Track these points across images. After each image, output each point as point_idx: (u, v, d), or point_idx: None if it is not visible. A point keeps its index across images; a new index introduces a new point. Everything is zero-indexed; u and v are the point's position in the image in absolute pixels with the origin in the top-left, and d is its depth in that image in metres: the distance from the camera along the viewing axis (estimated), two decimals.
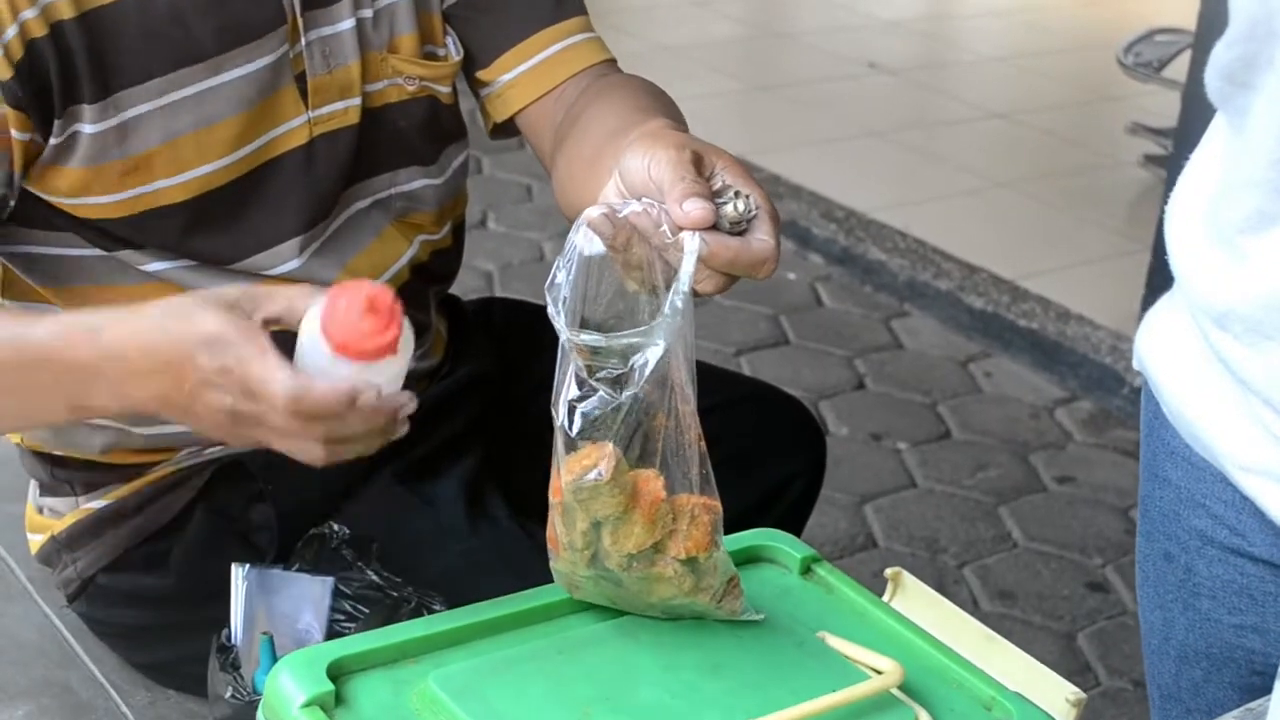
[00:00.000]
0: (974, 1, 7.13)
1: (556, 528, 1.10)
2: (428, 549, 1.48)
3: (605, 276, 1.09)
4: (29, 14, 1.30)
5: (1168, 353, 1.27)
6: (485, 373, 1.70)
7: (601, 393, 1.05)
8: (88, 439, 1.53)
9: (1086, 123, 5.40)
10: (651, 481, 1.07)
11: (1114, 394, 3.62)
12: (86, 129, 1.35)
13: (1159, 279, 3.78)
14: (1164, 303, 1.31)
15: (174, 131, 1.39)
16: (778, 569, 1.27)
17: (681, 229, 1.08)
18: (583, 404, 1.05)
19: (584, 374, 1.05)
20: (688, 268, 1.06)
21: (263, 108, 1.43)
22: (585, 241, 1.07)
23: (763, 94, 5.48)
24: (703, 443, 1.09)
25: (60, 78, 1.32)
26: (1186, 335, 1.23)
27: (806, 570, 1.26)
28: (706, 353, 3.65)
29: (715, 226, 1.10)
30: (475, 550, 1.48)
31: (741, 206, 1.11)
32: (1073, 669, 2.71)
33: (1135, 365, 1.33)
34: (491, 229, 4.20)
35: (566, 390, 1.05)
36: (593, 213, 1.08)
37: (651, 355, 1.05)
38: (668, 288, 1.07)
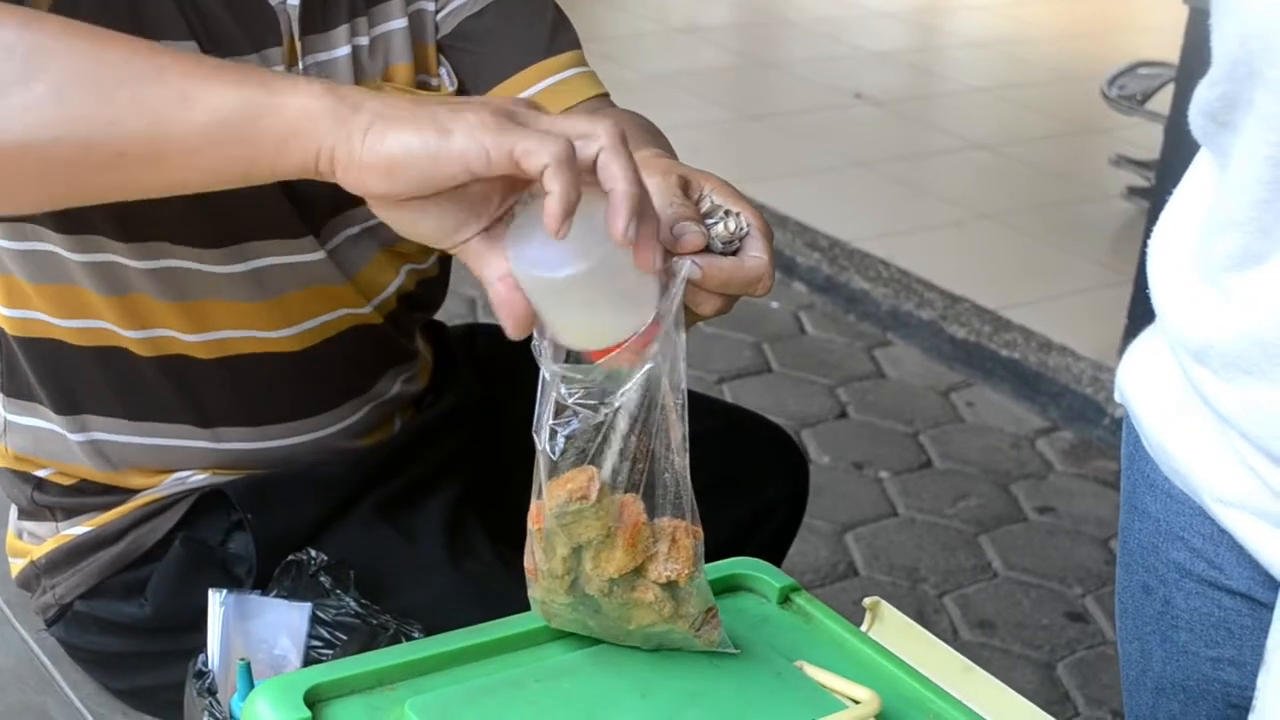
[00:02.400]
0: (959, 33, 7.16)
1: (535, 555, 1.10)
2: (406, 582, 1.47)
3: None
4: None
5: (1149, 386, 1.28)
6: (468, 402, 1.70)
7: (582, 414, 1.05)
8: (72, 454, 1.53)
9: (1070, 154, 5.43)
10: (632, 505, 1.07)
11: (1095, 424, 3.63)
12: None
13: (1141, 310, 3.79)
14: (1146, 336, 1.31)
15: None
16: (756, 598, 1.27)
17: (673, 255, 1.07)
18: (564, 427, 1.05)
19: (565, 400, 1.05)
20: (676, 293, 1.06)
21: None
22: None
23: (750, 123, 5.49)
24: (687, 471, 1.09)
25: None
26: (1167, 369, 1.23)
27: (785, 599, 1.26)
28: (689, 380, 3.63)
29: (708, 248, 1.09)
30: (454, 585, 1.47)
31: (732, 225, 1.10)
32: (1052, 699, 2.71)
33: (1117, 397, 1.33)
34: None
35: (548, 416, 1.05)
36: None
37: (634, 377, 1.05)
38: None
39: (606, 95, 1.60)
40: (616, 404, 1.04)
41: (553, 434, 1.04)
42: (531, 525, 1.09)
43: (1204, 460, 1.20)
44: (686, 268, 1.07)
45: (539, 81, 1.56)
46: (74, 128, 1.00)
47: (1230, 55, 1.08)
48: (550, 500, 1.05)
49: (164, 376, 1.48)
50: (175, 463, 1.54)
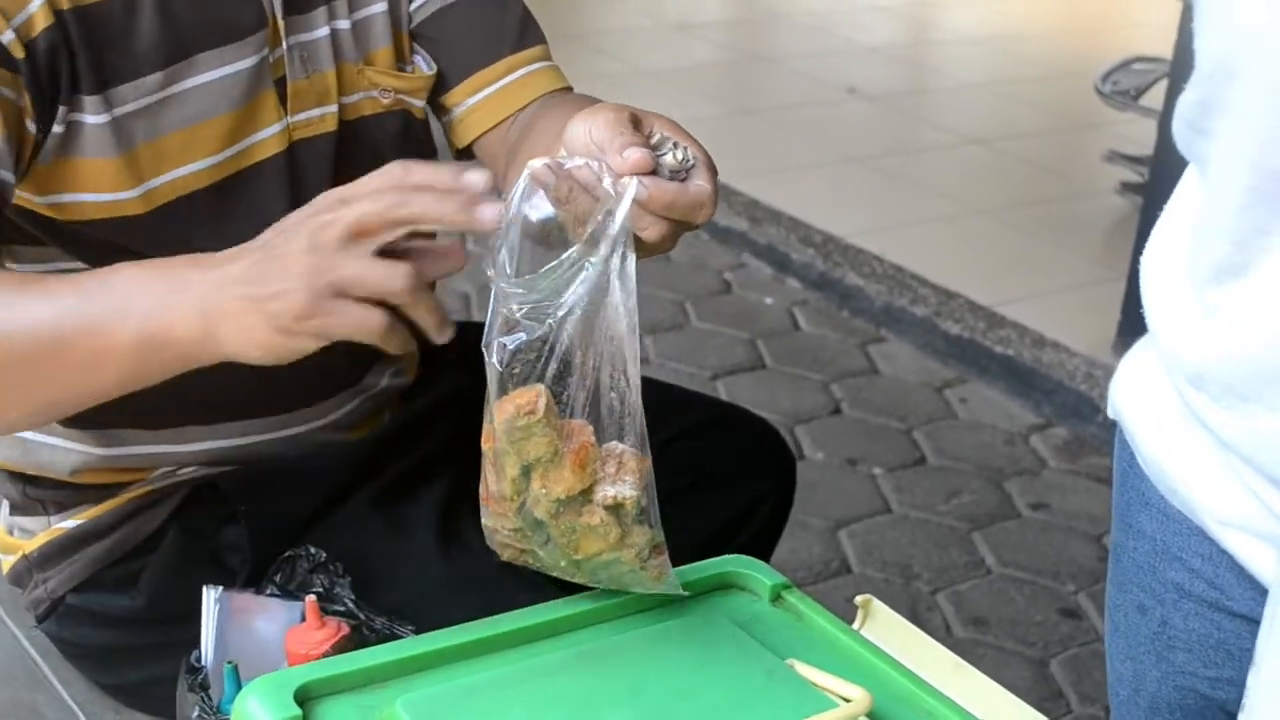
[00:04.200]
0: (953, 28, 7.16)
1: (488, 478, 1.12)
2: (399, 573, 1.48)
3: (551, 240, 1.11)
4: (37, 3, 1.30)
5: (1144, 403, 1.26)
6: (457, 393, 1.71)
7: (528, 326, 1.07)
8: (58, 459, 1.53)
9: (1064, 150, 5.43)
10: (582, 430, 1.09)
11: (1089, 421, 3.63)
12: (88, 119, 1.36)
13: (1134, 307, 3.78)
14: (1139, 349, 1.29)
15: (163, 128, 1.40)
16: (748, 596, 1.27)
17: (620, 176, 1.10)
18: (511, 340, 1.07)
19: (514, 315, 1.07)
20: (624, 208, 1.09)
21: (246, 110, 1.44)
22: (529, 197, 1.09)
23: (743, 118, 5.49)
24: (638, 397, 1.10)
25: (67, 64, 1.33)
26: (1162, 386, 1.21)
27: (776, 597, 1.26)
28: (683, 376, 3.65)
29: (654, 174, 1.12)
30: (446, 576, 1.48)
31: (680, 156, 1.14)
32: (1045, 695, 2.71)
33: (1110, 413, 1.31)
34: (470, 250, 4.19)
35: (496, 331, 1.07)
36: (536, 164, 1.11)
37: (580, 289, 1.07)
38: None
39: (569, 88, 1.64)
40: (561, 312, 1.07)
41: (501, 348, 1.07)
42: (484, 446, 1.11)
43: (1203, 481, 1.19)
44: (634, 186, 1.10)
45: (508, 75, 1.60)
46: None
47: (1211, 54, 1.07)
48: (499, 416, 1.07)
49: None
50: (168, 459, 1.54)
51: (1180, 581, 1.25)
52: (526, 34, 1.62)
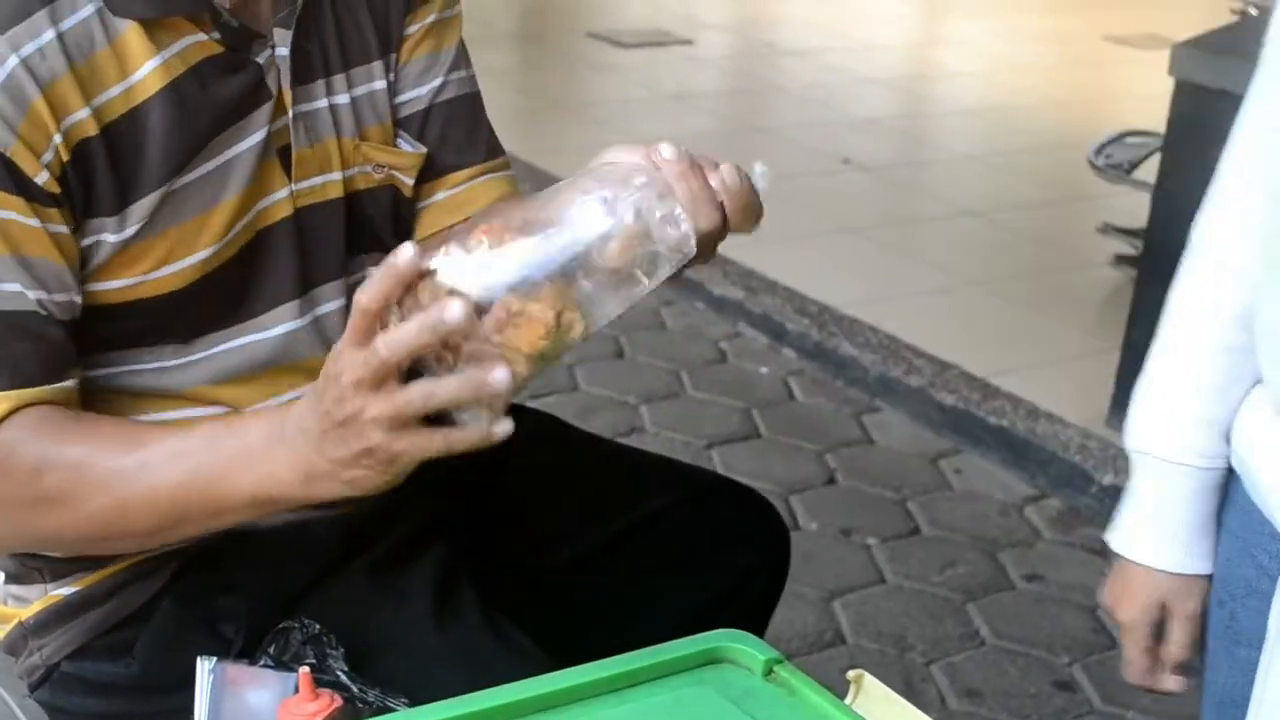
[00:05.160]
0: (948, 100, 7.21)
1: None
2: (394, 645, 1.48)
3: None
4: (59, 138, 1.33)
5: (1250, 421, 1.40)
6: (443, 460, 1.72)
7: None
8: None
9: (1058, 222, 5.45)
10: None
11: (1083, 492, 3.64)
12: (110, 239, 1.38)
13: (1128, 378, 3.80)
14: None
15: (183, 216, 1.42)
16: (740, 670, 1.27)
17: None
18: None
19: None
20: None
21: (255, 184, 1.46)
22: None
23: None
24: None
25: (84, 191, 1.36)
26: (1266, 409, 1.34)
27: (769, 672, 1.26)
28: (678, 445, 3.66)
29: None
30: (440, 647, 1.48)
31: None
32: None
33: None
34: None
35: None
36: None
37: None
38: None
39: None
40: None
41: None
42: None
43: None
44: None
45: (474, 179, 1.66)
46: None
47: None
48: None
49: None
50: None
51: (1249, 578, 1.31)
52: (494, 144, 1.69)
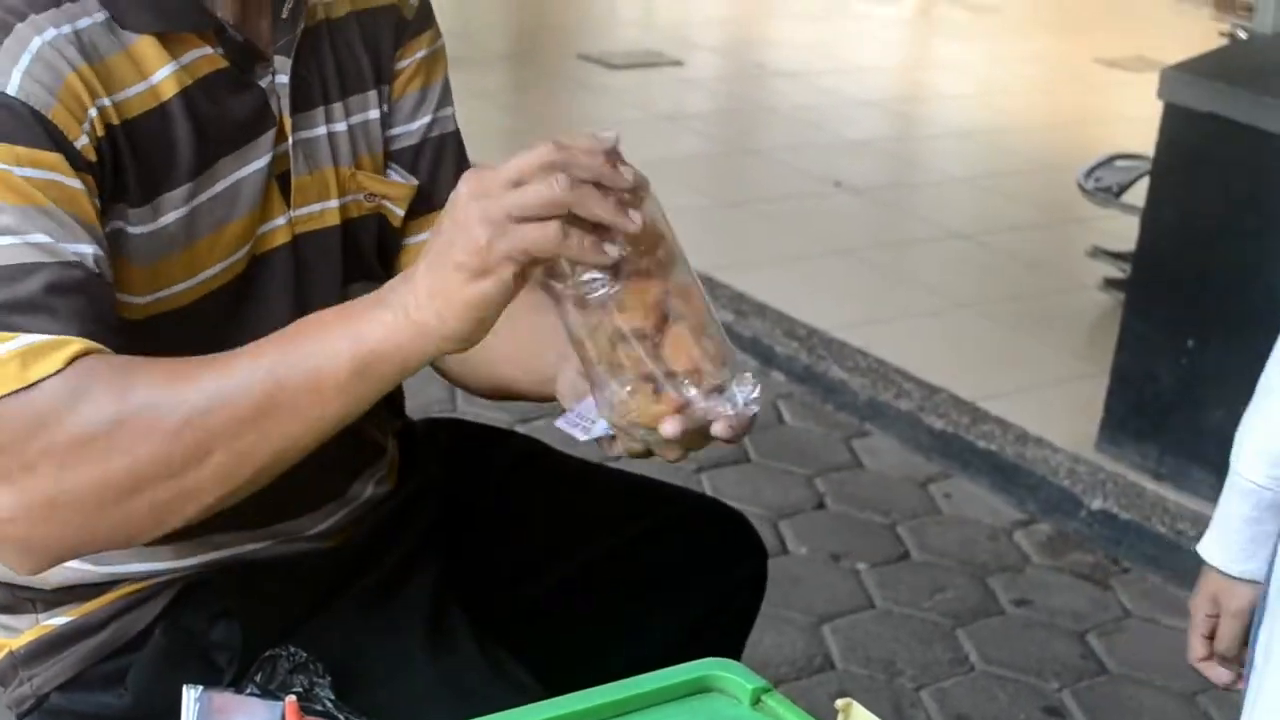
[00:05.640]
0: (938, 122, 7.23)
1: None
2: (386, 675, 1.48)
3: None
4: (93, 111, 1.34)
5: None
6: (430, 488, 1.72)
7: None
8: (48, 575, 1.52)
9: (1047, 245, 5.46)
10: None
11: (1072, 517, 3.64)
12: (131, 230, 1.39)
13: (1117, 402, 3.81)
14: None
15: (196, 234, 1.43)
16: (727, 699, 1.27)
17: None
18: None
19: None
20: None
21: (259, 208, 1.48)
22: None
23: (730, 210, 5.53)
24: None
25: (113, 175, 1.36)
26: None
27: (757, 700, 1.26)
28: (667, 469, 3.64)
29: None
30: (430, 677, 1.48)
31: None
32: None
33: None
34: None
35: None
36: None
37: None
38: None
39: None
40: None
41: None
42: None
43: None
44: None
45: None
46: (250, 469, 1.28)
47: None
48: None
49: None
50: (157, 573, 1.53)
51: None
52: None
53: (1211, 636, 1.80)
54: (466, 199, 1.18)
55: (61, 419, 1.23)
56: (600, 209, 1.17)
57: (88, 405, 1.23)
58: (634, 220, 1.18)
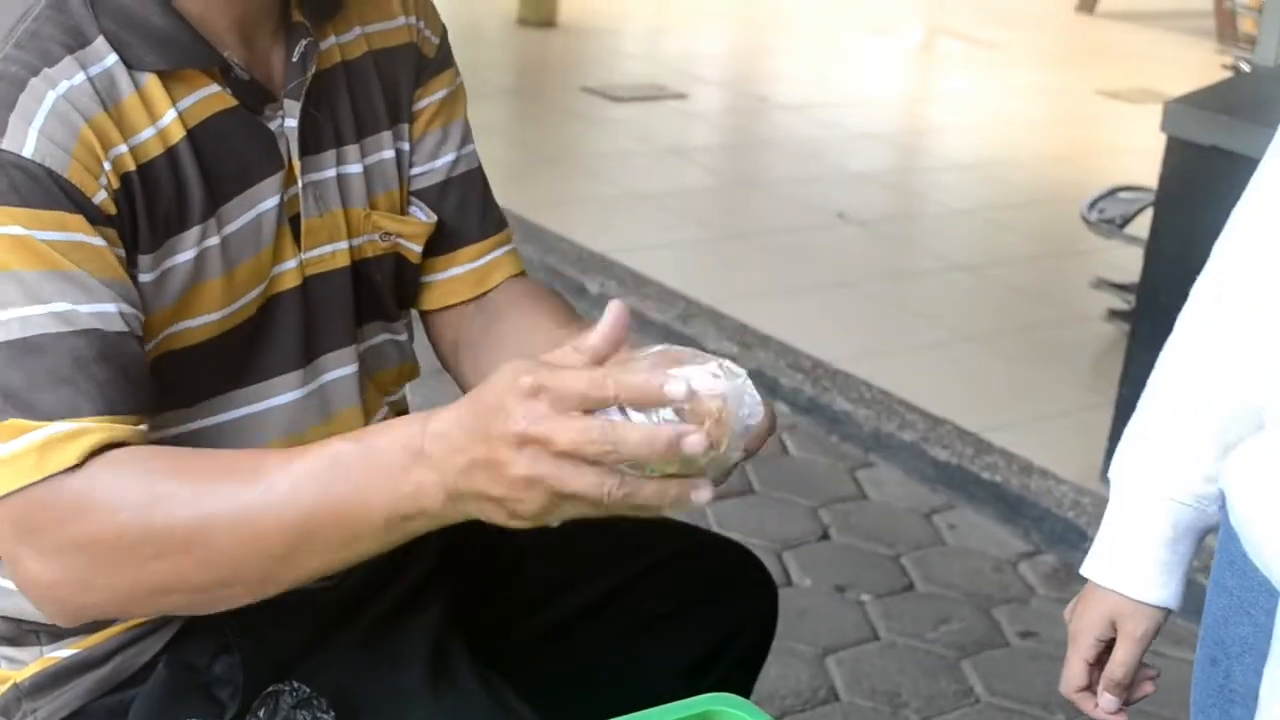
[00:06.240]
0: (941, 155, 7.24)
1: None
2: (387, 709, 1.48)
3: None
4: (108, 164, 1.34)
5: (1246, 472, 1.39)
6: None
7: None
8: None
9: (1051, 277, 5.47)
10: None
11: (1076, 548, 3.63)
12: (143, 278, 1.39)
13: (1122, 434, 3.79)
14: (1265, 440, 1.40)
15: (204, 276, 1.43)
16: None
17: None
18: None
19: None
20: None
21: (271, 250, 1.48)
22: None
23: (733, 242, 5.54)
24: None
25: (130, 223, 1.37)
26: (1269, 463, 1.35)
27: None
28: None
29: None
30: (435, 714, 1.48)
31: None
32: None
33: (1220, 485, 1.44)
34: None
35: None
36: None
37: None
38: None
39: (524, 273, 1.73)
40: None
41: None
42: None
43: None
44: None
45: (486, 254, 1.69)
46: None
47: None
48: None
49: None
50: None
51: (1246, 636, 1.31)
52: (501, 216, 1.72)
53: (1098, 663, 1.62)
54: (519, 419, 1.11)
55: (84, 515, 1.26)
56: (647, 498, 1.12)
57: (107, 509, 1.26)
58: (704, 492, 1.13)
